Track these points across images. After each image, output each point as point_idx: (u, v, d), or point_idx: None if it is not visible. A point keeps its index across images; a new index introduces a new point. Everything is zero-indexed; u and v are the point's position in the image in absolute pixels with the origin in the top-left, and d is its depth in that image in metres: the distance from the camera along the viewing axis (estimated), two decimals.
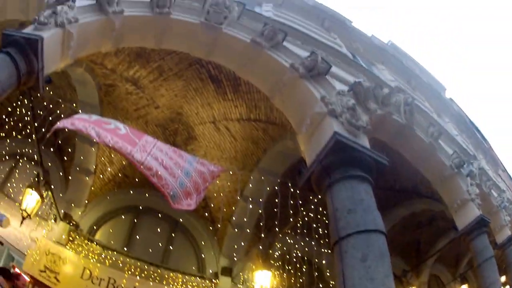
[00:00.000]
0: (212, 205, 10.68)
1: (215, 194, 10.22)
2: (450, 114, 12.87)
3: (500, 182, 17.44)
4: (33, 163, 9.56)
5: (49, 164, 9.23)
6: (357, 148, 4.90)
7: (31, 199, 7.79)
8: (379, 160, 5.11)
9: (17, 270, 8.41)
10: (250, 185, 9.88)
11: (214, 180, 5.40)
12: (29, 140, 8.81)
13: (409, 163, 9.13)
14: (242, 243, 10.78)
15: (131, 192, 10.48)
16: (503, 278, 11.90)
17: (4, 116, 9.22)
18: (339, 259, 4.25)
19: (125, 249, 10.41)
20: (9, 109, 8.90)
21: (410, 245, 14.98)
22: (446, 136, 10.05)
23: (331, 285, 11.75)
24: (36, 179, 8.17)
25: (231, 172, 9.08)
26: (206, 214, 10.96)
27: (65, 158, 10.25)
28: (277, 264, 10.47)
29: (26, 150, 9.67)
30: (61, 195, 9.81)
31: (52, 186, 8.71)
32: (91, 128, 4.49)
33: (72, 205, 9.97)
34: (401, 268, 14.70)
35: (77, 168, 9.94)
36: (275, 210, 7.62)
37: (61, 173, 10.37)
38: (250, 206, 10.02)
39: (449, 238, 11.97)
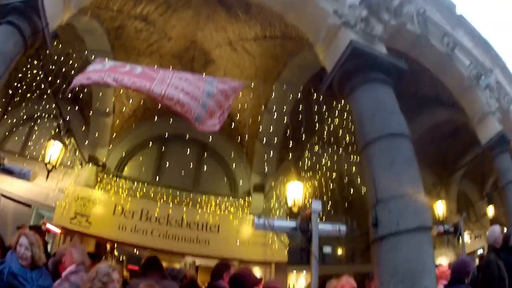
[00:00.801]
0: (238, 123, 10.53)
1: (239, 112, 10.10)
2: (463, 29, 12.50)
3: None
4: (52, 116, 9.55)
5: (68, 116, 9.03)
6: (374, 53, 4.72)
7: (54, 150, 7.79)
8: (398, 64, 4.96)
9: (48, 226, 8.57)
10: (273, 98, 9.78)
11: (236, 95, 5.32)
12: (45, 97, 8.83)
13: (429, 71, 9.03)
14: (272, 158, 10.75)
15: (155, 121, 10.13)
16: None
17: (16, 83, 9.19)
18: (368, 164, 4.26)
19: (156, 179, 10.54)
20: (20, 75, 8.74)
21: (437, 158, 14.93)
22: (461, 48, 9.76)
23: (362, 192, 11.85)
24: (57, 129, 8.24)
25: (252, 85, 8.73)
26: (233, 132, 10.78)
27: (83, 105, 10.18)
28: (308, 175, 10.48)
29: (43, 107, 9.62)
30: (84, 141, 9.83)
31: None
32: (107, 76, 4.34)
33: (96, 147, 10.00)
34: (431, 180, 14.87)
35: (96, 112, 9.86)
36: (300, 119, 7.59)
37: (81, 121, 10.35)
38: (275, 117, 10.03)
39: (474, 153, 11.96)
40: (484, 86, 9.65)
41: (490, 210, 15.83)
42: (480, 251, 13.16)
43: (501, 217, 12.75)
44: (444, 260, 10.20)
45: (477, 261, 8.71)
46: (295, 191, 8.74)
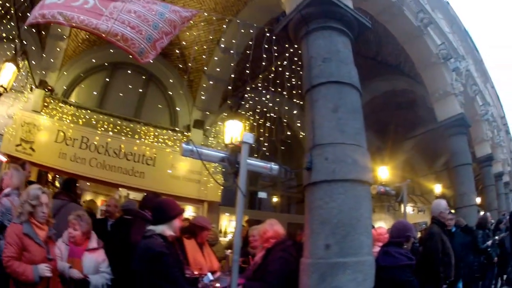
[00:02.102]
0: (188, 55, 10.29)
1: (191, 44, 9.85)
2: (444, 13, 12.48)
3: (487, 95, 17.51)
4: (11, 38, 8.66)
5: (25, 39, 8.53)
6: (338, 3, 4.57)
7: (7, 73, 7.34)
8: (362, 20, 4.70)
9: None
10: (228, 35, 9.54)
11: (186, 25, 5.22)
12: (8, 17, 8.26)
13: (395, 40, 9.06)
14: (216, 95, 10.71)
15: (107, 47, 9.74)
16: (478, 200, 12.40)
17: None
18: (310, 107, 4.05)
19: (100, 106, 10.18)
20: None
21: (387, 124, 15.21)
22: (436, 27, 9.76)
23: (301, 136, 12.08)
24: (14, 52, 7.70)
25: (206, 14, 8.50)
26: (181, 65, 10.61)
27: (42, 29, 9.48)
28: (249, 115, 10.49)
29: (4, 29, 8.80)
30: (37, 65, 9.35)
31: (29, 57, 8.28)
32: (58, 14, 4.20)
33: (48, 71, 9.52)
34: (376, 144, 15.06)
35: (53, 36, 9.29)
36: (250, 60, 7.33)
37: (37, 45, 9.72)
38: (226, 55, 9.78)
39: (428, 128, 12.26)
40: (452, 68, 9.73)
41: (438, 188, 16.30)
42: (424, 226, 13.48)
43: (448, 196, 13.15)
44: (383, 225, 10.41)
45: (419, 234, 8.96)
46: (234, 129, 8.68)
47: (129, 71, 10.59)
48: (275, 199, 14.89)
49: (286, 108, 10.55)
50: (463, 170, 9.25)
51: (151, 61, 4.76)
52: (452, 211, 7.57)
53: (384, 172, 11.95)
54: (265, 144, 9.16)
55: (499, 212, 13.43)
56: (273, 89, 8.80)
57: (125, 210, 5.60)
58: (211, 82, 10.43)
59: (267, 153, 9.93)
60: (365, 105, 11.08)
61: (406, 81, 11.75)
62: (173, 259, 3.24)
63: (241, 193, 3.19)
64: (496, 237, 8.27)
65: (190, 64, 10.25)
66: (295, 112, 11.32)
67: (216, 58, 10.08)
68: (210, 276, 3.84)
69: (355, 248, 3.50)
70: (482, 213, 9.51)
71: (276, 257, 3.80)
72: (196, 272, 4.03)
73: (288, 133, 10.84)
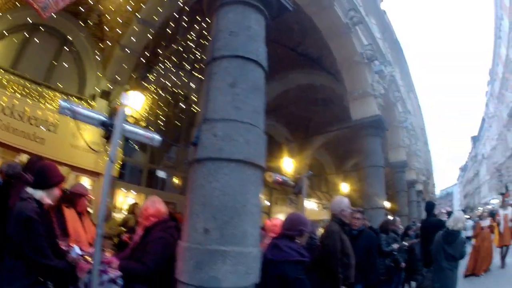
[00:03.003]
0: (106, 23, 9.75)
1: (109, 13, 9.37)
2: (378, 19, 12.72)
3: (409, 105, 18.20)
4: None
5: None
6: None
7: None
8: (282, 1, 4.61)
9: None
10: (147, 7, 9.16)
11: None
12: None
13: (320, 33, 8.93)
14: (126, 67, 10.19)
15: (28, 9, 9.05)
16: (388, 204, 12.78)
17: None
18: (208, 80, 3.76)
19: (13, 67, 9.41)
20: None
21: (300, 118, 15.34)
22: (366, 28, 9.85)
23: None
24: None
25: None
26: (98, 33, 10.07)
27: None
28: (154, 90, 10.37)
29: None
30: None
31: None
32: None
33: None
34: (285, 136, 15.15)
35: None
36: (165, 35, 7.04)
37: None
38: (142, 27, 9.43)
39: (341, 125, 12.48)
40: (376, 70, 9.83)
41: (345, 187, 16.75)
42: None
43: (355, 197, 13.47)
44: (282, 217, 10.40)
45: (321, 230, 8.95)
46: (136, 101, 8.56)
47: (46, 34, 9.90)
48: (176, 181, 14.69)
49: (194, 85, 10.47)
50: (374, 172, 9.35)
51: (54, 16, 5.04)
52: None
53: (288, 164, 11.94)
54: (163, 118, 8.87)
55: (409, 219, 13.97)
56: (181, 65, 8.58)
57: (7, 172, 5.11)
58: (124, 53, 9.95)
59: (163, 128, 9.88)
60: (279, 96, 11.00)
61: (325, 77, 11.67)
62: (44, 227, 2.98)
63: (110, 159, 2.92)
64: (405, 243, 8.37)
65: (106, 33, 9.79)
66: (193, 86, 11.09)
67: (133, 29, 9.61)
68: (77, 249, 3.47)
69: (238, 236, 3.23)
70: (391, 217, 9.66)
71: (155, 237, 3.52)
72: (70, 244, 3.65)
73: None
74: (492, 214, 11.65)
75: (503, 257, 10.49)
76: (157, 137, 3.40)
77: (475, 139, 74.57)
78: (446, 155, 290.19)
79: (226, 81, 3.62)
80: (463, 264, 8.97)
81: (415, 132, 19.89)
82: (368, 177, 9.40)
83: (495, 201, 40.61)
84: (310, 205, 17.54)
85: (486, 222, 10.51)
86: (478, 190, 70.12)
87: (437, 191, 61.94)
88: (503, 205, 11.40)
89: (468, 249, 7.78)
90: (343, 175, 19.84)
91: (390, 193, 14.21)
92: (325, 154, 19.57)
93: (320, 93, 12.97)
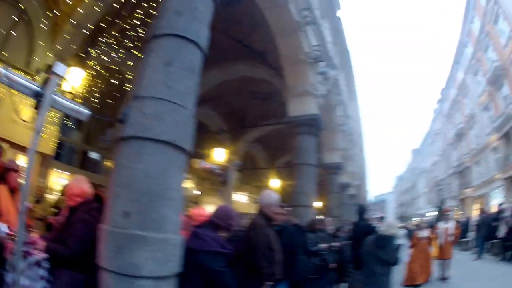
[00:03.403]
0: None
1: None
2: (331, 24, 12.91)
3: (350, 110, 18.66)
4: None
5: None
6: None
7: None
8: None
9: None
10: None
11: None
12: None
13: (269, 28, 8.88)
14: (74, 43, 9.84)
15: None
16: (319, 204, 12.96)
17: None
18: (145, 58, 3.62)
19: None
20: None
21: (237, 111, 15.31)
22: (316, 30, 9.91)
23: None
24: None
25: None
26: (52, 6, 9.58)
27: None
28: (94, 66, 10.13)
29: None
30: None
31: None
32: None
33: None
34: (219, 126, 15.10)
35: None
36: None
37: None
38: (95, 3, 9.10)
39: (277, 121, 12.48)
40: (320, 71, 9.91)
41: (276, 182, 16.98)
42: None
43: (285, 194, 13.61)
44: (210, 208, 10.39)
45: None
46: (76, 77, 8.34)
47: (3, 3, 9.36)
48: (109, 163, 14.34)
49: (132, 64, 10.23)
50: (306, 170, 9.37)
51: None
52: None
53: (220, 154, 11.88)
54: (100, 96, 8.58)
55: (340, 220, 14.30)
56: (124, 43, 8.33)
57: None
58: (74, 28, 9.57)
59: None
60: (218, 85, 10.85)
61: (266, 71, 11.57)
62: None
63: (36, 130, 2.72)
64: (335, 243, 8.36)
65: (59, 6, 9.36)
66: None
67: (85, 5, 9.24)
68: (4, 228, 3.25)
69: (158, 222, 3.08)
70: (320, 217, 9.76)
71: (77, 219, 3.33)
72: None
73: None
74: (430, 226, 11.95)
75: (443, 270, 10.53)
76: (85, 111, 3.25)
77: (415, 152, 77.83)
78: (383, 163, 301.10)
79: (162, 59, 3.48)
80: (400, 273, 9.16)
81: (353, 137, 20.45)
82: (300, 175, 9.39)
83: (432, 214, 42.91)
84: (240, 198, 17.57)
85: (425, 233, 10.53)
86: (415, 201, 73.55)
87: (372, 197, 64.32)
88: (444, 218, 11.46)
89: (404, 257, 7.80)
90: (275, 171, 20.01)
91: (322, 194, 14.48)
92: (259, 149, 19.66)
93: (260, 87, 12.99)
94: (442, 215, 12.19)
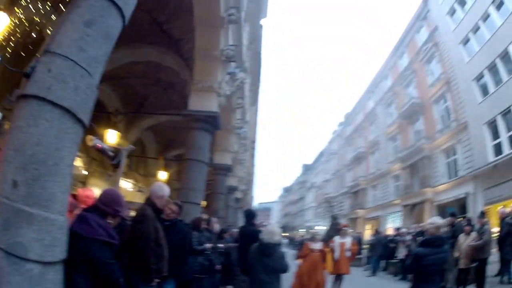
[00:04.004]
0: None
1: None
2: (252, 29, 12.95)
3: (248, 116, 18.85)
4: None
5: None
6: None
7: None
8: None
9: None
10: None
11: None
12: None
13: (192, 17, 8.69)
14: None
15: None
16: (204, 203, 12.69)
17: None
18: (67, 13, 3.17)
19: None
20: None
21: (137, 95, 15.03)
22: (237, 30, 9.91)
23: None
24: None
25: None
26: None
27: None
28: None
29: None
30: None
31: None
32: None
33: None
34: (117, 107, 14.48)
35: None
36: None
37: None
38: None
39: (172, 112, 12.57)
40: (229, 71, 9.99)
41: (163, 175, 16.67)
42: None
43: (171, 187, 13.32)
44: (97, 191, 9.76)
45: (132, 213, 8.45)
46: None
47: None
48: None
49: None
50: (198, 166, 9.16)
51: None
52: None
53: (112, 136, 11.28)
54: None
55: (225, 222, 14.26)
56: None
57: None
58: None
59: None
60: (125, 65, 10.35)
61: (176, 60, 11.33)
62: None
63: None
64: (221, 245, 8.38)
65: None
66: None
67: None
68: None
69: (45, 198, 2.67)
70: (208, 217, 9.56)
71: None
72: None
73: None
74: (324, 239, 11.47)
75: (338, 285, 10.41)
76: None
77: (307, 167, 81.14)
78: (271, 173, 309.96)
79: (83, 18, 3.09)
80: (288, 282, 8.92)
81: (246, 142, 20.68)
82: (190, 171, 9.15)
83: (320, 227, 44.97)
84: (126, 185, 16.84)
85: (318, 246, 9.82)
86: (301, 213, 76.65)
87: (256, 204, 65.73)
88: (341, 233, 11.04)
89: (292, 266, 7.41)
90: (164, 162, 19.63)
91: (209, 194, 14.40)
92: (151, 137, 19.19)
93: (165, 75, 12.72)
94: (338, 230, 11.90)
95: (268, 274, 5.09)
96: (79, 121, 2.98)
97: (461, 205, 21.36)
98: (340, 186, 50.96)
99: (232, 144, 15.62)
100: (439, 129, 25.77)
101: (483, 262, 9.29)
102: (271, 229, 5.40)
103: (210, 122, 9.43)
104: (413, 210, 27.59)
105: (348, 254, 10.48)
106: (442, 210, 23.25)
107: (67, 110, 2.83)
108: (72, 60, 2.92)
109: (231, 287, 9.04)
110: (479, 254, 9.24)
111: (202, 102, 9.42)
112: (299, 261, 9.77)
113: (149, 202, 4.48)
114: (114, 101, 14.90)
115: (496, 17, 19.66)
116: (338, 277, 10.41)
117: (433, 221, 5.01)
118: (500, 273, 10.28)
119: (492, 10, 19.93)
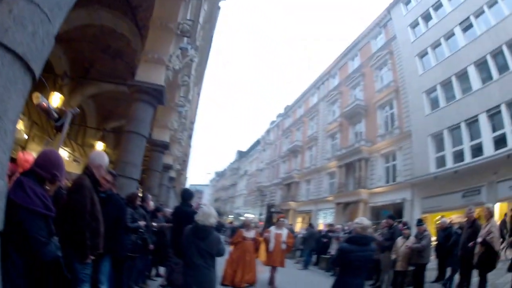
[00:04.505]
0: None
1: None
2: (210, 9, 12.69)
3: (191, 95, 18.54)
4: None
5: None
6: None
7: None
8: None
9: None
10: None
11: None
12: None
13: None
14: None
15: None
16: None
17: None
18: None
19: None
20: None
21: (85, 60, 14.36)
22: (197, 6, 9.89)
23: None
24: None
25: None
26: None
27: None
28: None
29: None
30: None
31: None
32: None
33: None
34: (64, 70, 13.76)
35: None
36: None
37: None
38: None
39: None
40: (182, 46, 9.89)
41: (100, 145, 16.09)
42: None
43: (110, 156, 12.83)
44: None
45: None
46: None
47: None
48: None
49: None
50: (137, 140, 8.79)
51: None
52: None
53: (56, 99, 10.60)
54: None
55: (158, 201, 13.85)
56: None
57: None
58: None
59: None
60: (79, 27, 9.80)
61: (130, 28, 10.83)
62: None
63: None
64: (154, 223, 8.04)
65: None
66: None
67: None
68: None
69: None
70: (143, 193, 9.14)
71: None
72: None
73: None
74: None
75: (272, 277, 9.90)
76: None
77: (241, 154, 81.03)
78: (205, 155, 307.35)
79: None
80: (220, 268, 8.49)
81: (186, 122, 20.32)
82: (129, 144, 8.73)
83: (250, 215, 44.92)
84: (63, 153, 15.92)
85: (251, 234, 9.46)
86: (232, 199, 76.46)
87: (188, 185, 64.77)
88: (277, 224, 10.44)
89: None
90: (102, 133, 18.91)
91: (144, 170, 13.97)
92: (92, 107, 18.32)
93: (116, 42, 12.18)
94: (275, 220, 11.24)
95: (203, 258, 4.75)
96: (30, 71, 2.59)
97: (397, 210, 22.13)
98: (273, 177, 51.52)
99: (172, 121, 15.20)
100: (381, 133, 26.70)
101: (422, 267, 9.49)
102: (207, 210, 4.95)
103: (155, 96, 9.08)
104: (346, 208, 28.47)
105: (284, 246, 9.95)
106: (377, 212, 24.45)
107: (19, 57, 2.45)
108: (35, 3, 2.56)
109: (164, 269, 8.68)
110: (418, 259, 9.41)
111: (150, 74, 9.05)
112: (231, 248, 9.46)
113: (88, 171, 4.10)
114: (63, 64, 14.03)
115: (460, 38, 20.49)
116: (273, 269, 9.95)
117: (361, 221, 5.00)
118: (439, 279, 10.65)
119: (458, 30, 20.74)
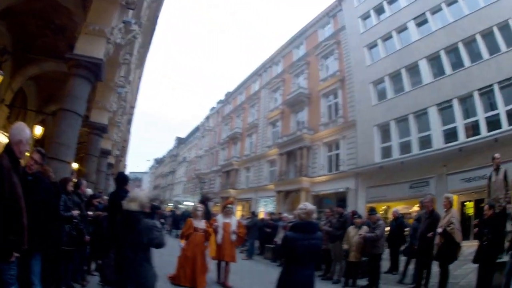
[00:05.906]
0: None
1: None
2: None
3: (132, 77, 17.66)
4: None
5: None
6: None
7: None
8: None
9: None
10: None
11: None
12: None
13: None
14: None
15: None
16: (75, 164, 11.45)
17: None
18: None
19: None
20: None
21: (28, 37, 13.15)
22: None
23: None
24: None
25: None
26: None
27: None
28: None
29: None
30: None
31: None
32: None
33: None
34: (5, 46, 12.68)
35: None
36: None
37: None
38: None
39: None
40: (125, 19, 9.47)
41: (38, 130, 15.12)
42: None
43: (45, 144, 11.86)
44: None
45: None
46: None
47: None
48: None
49: None
50: (72, 119, 7.99)
51: None
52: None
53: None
54: None
55: (96, 188, 12.92)
56: None
57: None
58: None
59: None
60: (25, 2, 8.93)
61: (74, 3, 9.80)
62: None
63: None
64: (90, 212, 7.17)
65: None
66: None
67: None
68: None
69: None
70: (78, 179, 8.14)
71: None
72: None
73: None
74: (208, 217, 9.24)
75: (223, 274, 8.74)
76: None
77: (180, 140, 79.25)
78: (144, 142, 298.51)
79: None
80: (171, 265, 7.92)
81: (125, 105, 19.31)
82: (63, 123, 7.91)
83: (189, 203, 44.79)
84: (2, 137, 14.48)
85: (202, 224, 8.25)
86: (171, 187, 74.88)
87: (127, 172, 62.56)
88: (224, 212, 9.10)
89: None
90: (41, 117, 17.59)
91: (81, 156, 12.97)
92: (33, 88, 16.96)
93: (60, 17, 11.22)
94: (224, 209, 9.39)
95: (134, 250, 4.01)
96: None
97: (340, 199, 22.47)
98: (212, 164, 50.97)
99: (111, 102, 14.11)
100: (324, 122, 26.80)
101: (377, 258, 9.22)
102: (134, 194, 4.26)
103: (93, 71, 8.34)
104: (287, 197, 28.55)
105: (234, 237, 8.75)
106: (320, 200, 24.49)
107: None
108: None
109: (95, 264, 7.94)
110: (372, 249, 9.15)
111: (89, 47, 8.31)
112: (183, 242, 8.18)
113: (8, 149, 3.34)
114: (5, 40, 12.70)
115: (414, 32, 20.79)
116: (223, 265, 8.78)
117: (304, 206, 4.55)
118: (392, 270, 10.77)
119: (411, 24, 21.01)
